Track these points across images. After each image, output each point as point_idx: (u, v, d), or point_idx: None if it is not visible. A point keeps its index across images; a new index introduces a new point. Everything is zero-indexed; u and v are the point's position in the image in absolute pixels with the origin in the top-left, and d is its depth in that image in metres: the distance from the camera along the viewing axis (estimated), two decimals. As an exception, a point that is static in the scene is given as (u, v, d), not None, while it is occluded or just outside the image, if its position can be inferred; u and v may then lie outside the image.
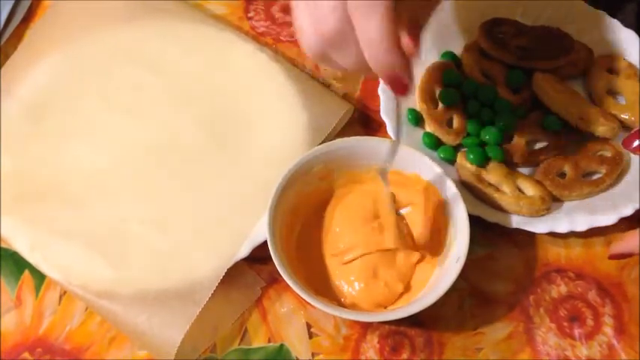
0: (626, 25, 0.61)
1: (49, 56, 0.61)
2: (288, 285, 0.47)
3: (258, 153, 0.56)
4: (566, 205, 0.55)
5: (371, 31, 0.42)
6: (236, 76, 0.60)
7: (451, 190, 0.51)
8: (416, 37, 0.45)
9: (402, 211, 0.53)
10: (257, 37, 0.64)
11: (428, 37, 0.60)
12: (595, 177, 0.56)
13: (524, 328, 0.52)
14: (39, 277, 0.54)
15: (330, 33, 0.43)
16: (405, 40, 0.45)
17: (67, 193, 0.55)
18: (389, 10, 0.42)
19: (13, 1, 0.64)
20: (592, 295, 0.53)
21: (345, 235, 0.51)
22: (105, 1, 0.63)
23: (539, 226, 0.53)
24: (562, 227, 0.53)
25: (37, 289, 0.54)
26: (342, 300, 0.50)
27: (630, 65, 0.59)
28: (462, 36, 0.61)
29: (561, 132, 0.57)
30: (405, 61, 0.44)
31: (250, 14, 0.66)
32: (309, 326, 0.52)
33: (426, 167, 0.52)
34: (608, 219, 0.53)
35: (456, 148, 0.57)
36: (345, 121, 0.58)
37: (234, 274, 0.52)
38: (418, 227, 0.52)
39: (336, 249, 0.51)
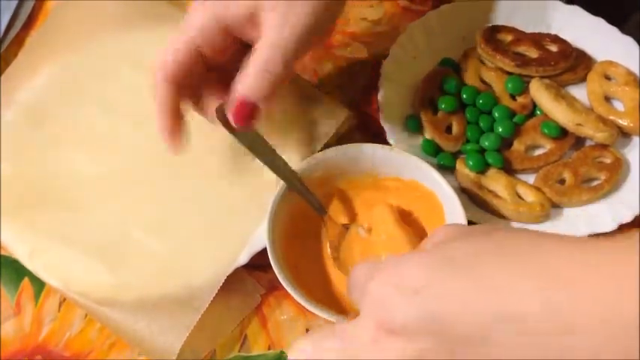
0: (629, 33, 0.61)
1: (49, 62, 0.61)
2: (287, 292, 0.47)
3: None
4: (566, 211, 0.55)
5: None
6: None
7: (450, 196, 0.51)
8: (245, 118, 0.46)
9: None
10: (256, 44, 0.64)
11: (426, 44, 0.61)
12: (594, 183, 0.56)
13: (524, 335, 0.52)
14: (38, 284, 0.54)
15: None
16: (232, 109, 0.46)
17: (66, 199, 0.55)
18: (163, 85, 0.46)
19: (13, 8, 0.64)
20: (591, 302, 0.53)
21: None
22: (106, 8, 0.63)
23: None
24: (561, 234, 0.53)
25: (37, 296, 0.54)
26: (344, 306, 0.50)
27: (628, 72, 0.59)
28: (461, 42, 0.62)
29: (560, 138, 0.57)
30: (167, 112, 0.47)
31: (250, 21, 0.66)
32: (308, 333, 0.52)
33: (424, 174, 0.52)
34: (607, 225, 0.53)
35: (455, 155, 0.57)
36: (344, 127, 0.58)
37: (233, 281, 0.52)
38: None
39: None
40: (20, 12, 0.65)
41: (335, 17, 0.50)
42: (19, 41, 0.64)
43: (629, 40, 0.60)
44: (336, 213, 0.52)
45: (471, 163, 0.55)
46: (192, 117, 0.59)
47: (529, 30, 0.61)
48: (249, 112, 0.45)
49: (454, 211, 0.50)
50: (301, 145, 0.56)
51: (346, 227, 0.52)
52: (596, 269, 0.29)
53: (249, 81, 0.45)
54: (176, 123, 0.49)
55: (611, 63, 0.60)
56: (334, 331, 0.35)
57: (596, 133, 0.56)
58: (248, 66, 0.46)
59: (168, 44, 0.47)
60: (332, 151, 0.53)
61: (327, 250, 0.52)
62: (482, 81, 0.60)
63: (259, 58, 0.45)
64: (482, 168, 0.55)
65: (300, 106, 0.58)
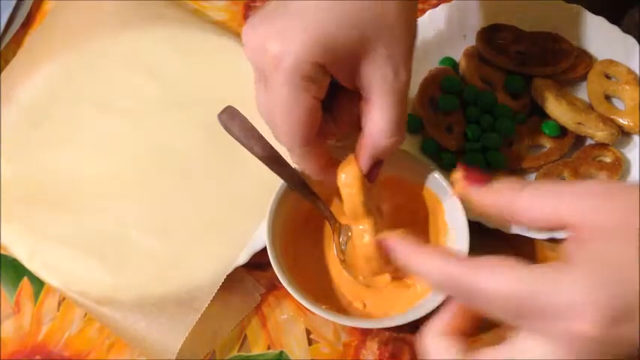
0: (627, 31, 0.61)
1: (48, 62, 0.61)
2: (287, 292, 0.47)
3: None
4: (566, 210, 0.55)
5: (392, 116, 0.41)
6: (235, 82, 0.60)
7: (450, 196, 0.51)
8: (374, 172, 0.45)
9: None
10: (256, 43, 0.64)
11: (427, 43, 0.60)
12: (594, 183, 0.56)
13: (524, 335, 0.52)
14: (38, 283, 0.54)
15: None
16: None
17: (66, 199, 0.55)
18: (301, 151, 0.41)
19: (12, 7, 0.64)
20: (592, 301, 0.53)
21: None
22: (104, 8, 0.63)
23: (538, 231, 0.53)
24: (562, 233, 0.53)
25: (36, 295, 0.54)
26: (344, 305, 0.50)
27: (629, 71, 0.59)
28: (461, 42, 0.61)
29: (560, 137, 0.57)
30: (316, 167, 0.44)
31: (250, 20, 0.65)
32: (308, 333, 0.52)
33: (425, 173, 0.52)
34: (607, 225, 0.53)
35: (456, 154, 0.57)
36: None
37: (233, 281, 0.52)
38: None
39: None
40: (19, 11, 0.65)
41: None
42: (17, 41, 0.64)
43: (629, 39, 0.60)
44: (338, 213, 0.52)
45: (471, 162, 0.55)
46: (190, 118, 0.59)
47: (529, 29, 0.61)
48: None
49: (454, 210, 0.50)
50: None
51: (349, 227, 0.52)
52: None
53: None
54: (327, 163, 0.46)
55: (611, 62, 0.60)
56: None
57: (596, 133, 0.56)
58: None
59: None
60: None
61: (330, 250, 0.52)
62: (483, 80, 0.60)
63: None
64: (483, 167, 0.55)
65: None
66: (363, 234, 0.47)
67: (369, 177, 0.46)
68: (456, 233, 0.50)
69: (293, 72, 0.38)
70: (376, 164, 0.45)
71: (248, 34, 0.41)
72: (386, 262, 0.46)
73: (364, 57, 0.40)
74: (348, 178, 0.46)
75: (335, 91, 0.43)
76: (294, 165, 0.50)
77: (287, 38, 0.38)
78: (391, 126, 0.42)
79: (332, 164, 0.46)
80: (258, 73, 0.42)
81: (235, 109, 0.48)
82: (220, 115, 0.48)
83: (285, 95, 0.39)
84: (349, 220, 0.48)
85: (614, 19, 0.61)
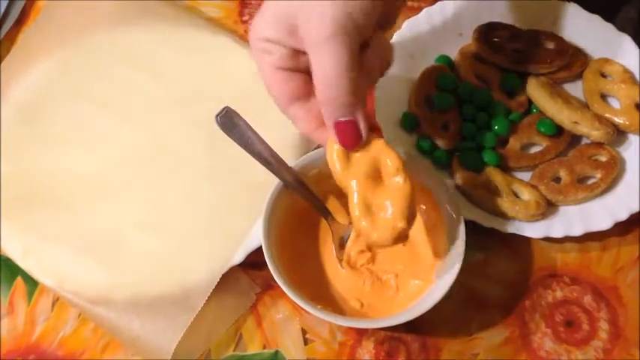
0: (622, 29, 0.61)
1: (43, 59, 0.61)
2: (283, 291, 0.47)
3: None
4: (562, 209, 0.55)
5: (327, 67, 0.40)
6: (230, 79, 0.60)
7: (446, 194, 0.50)
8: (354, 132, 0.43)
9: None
10: (251, 41, 0.64)
11: (422, 41, 0.60)
12: (590, 181, 0.56)
13: (520, 334, 0.52)
14: (32, 283, 0.53)
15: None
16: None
17: (60, 197, 0.55)
18: (349, 47, 0.40)
19: (5, 5, 0.64)
20: (587, 300, 0.53)
21: None
22: (99, 4, 0.63)
23: (534, 230, 0.53)
24: (557, 232, 0.53)
25: (30, 295, 0.53)
26: (339, 305, 0.50)
27: (624, 69, 0.59)
28: (457, 40, 0.61)
29: (556, 136, 0.57)
30: (363, 108, 0.42)
31: (245, 17, 0.65)
32: (304, 332, 0.52)
33: (421, 171, 0.51)
34: (603, 224, 0.53)
35: (451, 153, 0.57)
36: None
37: (228, 280, 0.52)
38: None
39: None
40: (12, 9, 0.64)
41: None
42: (11, 38, 0.63)
43: (625, 38, 0.60)
44: (336, 212, 0.52)
45: (466, 160, 0.55)
46: (186, 115, 0.59)
47: (525, 27, 0.61)
48: (350, 132, 0.43)
49: (450, 208, 0.50)
50: (297, 143, 0.56)
51: (348, 226, 0.52)
52: None
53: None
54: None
55: (607, 60, 0.60)
56: None
57: (591, 131, 0.56)
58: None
59: None
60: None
61: (327, 249, 0.52)
62: (479, 78, 0.60)
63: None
64: (478, 166, 0.55)
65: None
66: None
67: (351, 138, 0.43)
68: (452, 232, 0.50)
69: (253, 45, 0.44)
70: (352, 126, 0.42)
71: None
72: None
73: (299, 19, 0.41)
74: (327, 154, 0.44)
75: None
76: (290, 164, 0.50)
77: (257, 15, 0.44)
78: (326, 78, 0.40)
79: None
80: None
81: (233, 110, 0.48)
82: (218, 116, 0.48)
83: (256, 63, 0.44)
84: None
85: (608, 16, 0.61)
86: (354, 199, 0.44)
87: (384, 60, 0.45)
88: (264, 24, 0.42)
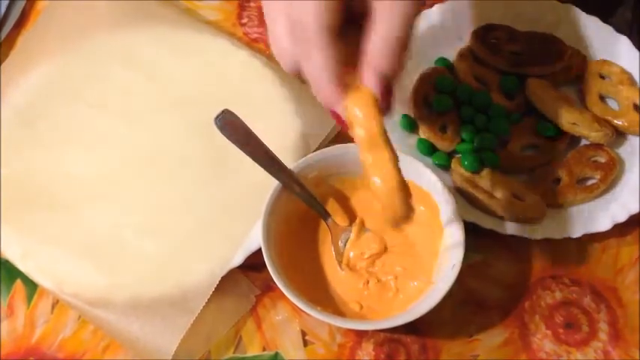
0: (618, 30, 0.61)
1: (42, 61, 0.61)
2: (282, 293, 0.47)
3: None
4: (561, 211, 0.55)
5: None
6: (229, 82, 0.60)
7: (445, 196, 0.51)
8: (386, 99, 0.42)
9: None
10: (250, 44, 0.64)
11: (421, 43, 0.60)
12: (589, 183, 0.56)
13: (520, 335, 0.52)
14: (31, 286, 0.53)
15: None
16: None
17: (59, 200, 0.55)
18: (329, 41, 0.39)
19: (5, 8, 0.64)
20: (587, 301, 0.53)
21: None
22: (98, 7, 0.63)
23: (533, 232, 0.53)
24: (557, 233, 0.53)
25: (30, 298, 0.53)
26: (339, 307, 0.50)
27: (623, 71, 0.59)
28: (455, 42, 0.61)
29: (555, 138, 0.57)
30: (340, 100, 0.41)
31: (244, 20, 0.65)
32: (303, 334, 0.52)
33: (419, 173, 0.51)
34: (602, 225, 0.53)
35: (451, 154, 0.57)
36: (339, 127, 0.58)
37: (228, 282, 0.52)
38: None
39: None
40: (11, 11, 0.64)
41: None
42: (10, 41, 0.63)
43: (623, 39, 0.60)
44: (335, 214, 0.52)
45: (466, 162, 0.55)
46: (185, 118, 0.59)
47: (523, 29, 0.61)
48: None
49: (449, 211, 0.50)
50: (296, 145, 0.56)
51: (348, 228, 0.52)
52: None
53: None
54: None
55: (605, 62, 0.60)
56: None
57: (590, 133, 0.56)
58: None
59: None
60: (327, 151, 0.53)
61: (326, 251, 0.52)
62: (477, 80, 0.60)
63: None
64: (478, 167, 0.55)
65: (295, 105, 0.58)
66: (384, 163, 0.42)
67: (383, 103, 0.42)
68: (451, 233, 0.50)
69: None
70: (387, 90, 0.41)
71: None
72: (408, 194, 0.43)
73: None
74: (361, 103, 0.41)
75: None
76: (289, 166, 0.50)
77: None
78: (390, 37, 0.39)
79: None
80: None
81: (232, 112, 0.48)
82: (217, 119, 0.48)
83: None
84: (364, 152, 0.43)
85: (605, 18, 0.61)
86: None
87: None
88: None
